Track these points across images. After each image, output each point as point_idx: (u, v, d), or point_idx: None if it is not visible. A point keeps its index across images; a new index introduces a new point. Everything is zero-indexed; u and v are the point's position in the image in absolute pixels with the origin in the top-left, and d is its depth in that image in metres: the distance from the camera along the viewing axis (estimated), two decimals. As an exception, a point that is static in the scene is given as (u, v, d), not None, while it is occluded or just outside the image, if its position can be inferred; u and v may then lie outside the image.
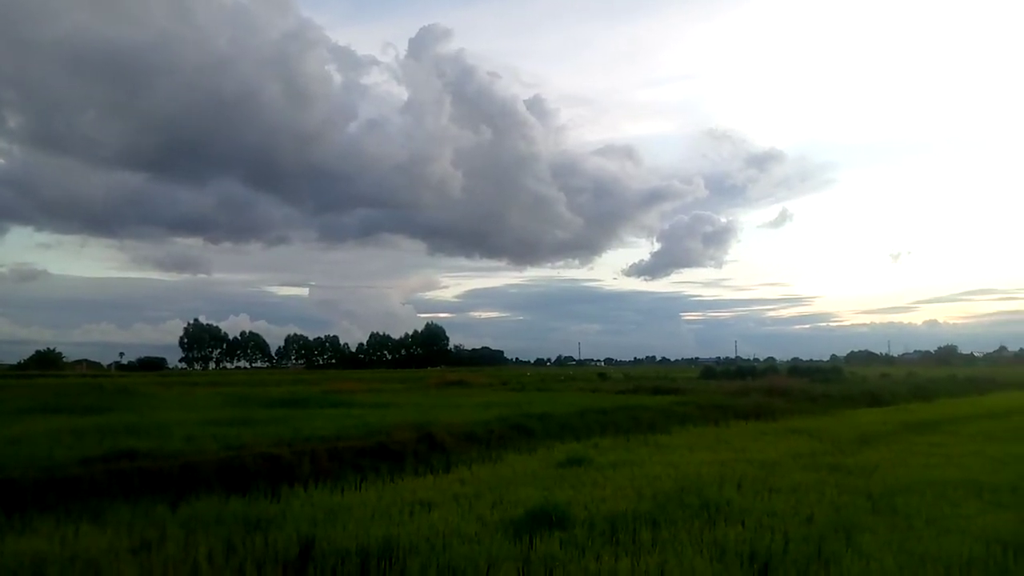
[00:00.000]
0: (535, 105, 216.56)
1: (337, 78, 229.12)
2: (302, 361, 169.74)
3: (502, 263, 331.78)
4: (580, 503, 9.25)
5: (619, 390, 38.26)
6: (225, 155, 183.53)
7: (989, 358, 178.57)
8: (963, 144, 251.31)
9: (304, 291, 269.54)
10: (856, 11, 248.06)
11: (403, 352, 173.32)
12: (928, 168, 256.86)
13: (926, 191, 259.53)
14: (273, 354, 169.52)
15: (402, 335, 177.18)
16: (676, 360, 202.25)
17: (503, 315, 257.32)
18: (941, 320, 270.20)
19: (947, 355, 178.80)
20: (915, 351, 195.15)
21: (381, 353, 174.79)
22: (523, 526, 8.03)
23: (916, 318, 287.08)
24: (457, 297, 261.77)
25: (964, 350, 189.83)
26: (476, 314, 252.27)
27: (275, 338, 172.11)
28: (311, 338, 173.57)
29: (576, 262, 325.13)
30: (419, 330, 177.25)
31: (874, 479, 11.24)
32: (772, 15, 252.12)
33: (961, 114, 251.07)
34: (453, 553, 7.00)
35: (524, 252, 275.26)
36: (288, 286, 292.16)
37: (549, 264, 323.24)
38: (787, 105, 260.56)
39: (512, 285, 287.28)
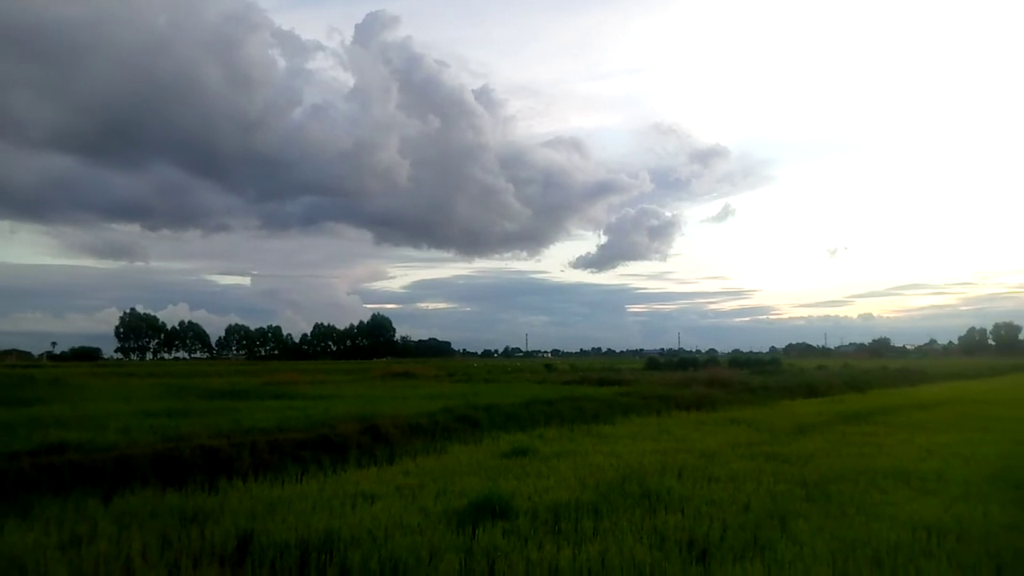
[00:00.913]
0: (483, 95, 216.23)
1: (281, 63, 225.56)
2: (243, 352, 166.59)
3: (450, 254, 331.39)
4: (524, 493, 9.28)
5: (565, 381, 38.58)
6: (163, 139, 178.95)
7: (920, 351, 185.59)
8: (897, 144, 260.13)
9: (246, 280, 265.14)
10: (798, 13, 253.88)
11: (348, 343, 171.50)
12: (864, 166, 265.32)
13: (862, 189, 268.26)
14: (213, 345, 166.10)
15: (347, 326, 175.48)
16: (621, 351, 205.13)
17: (451, 306, 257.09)
18: (875, 314, 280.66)
19: (880, 347, 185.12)
20: (850, 343, 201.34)
21: (325, 344, 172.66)
22: (466, 517, 8.03)
23: (852, 312, 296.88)
24: (404, 288, 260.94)
25: (896, 343, 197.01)
26: (423, 305, 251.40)
27: (215, 328, 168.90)
28: (253, 328, 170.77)
29: (524, 254, 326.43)
30: (365, 321, 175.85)
31: (809, 468, 11.55)
32: (717, 13, 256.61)
33: (896, 114, 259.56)
34: (395, 545, 6.95)
35: (472, 243, 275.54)
36: (229, 275, 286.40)
37: (497, 255, 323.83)
38: (731, 102, 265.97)
39: (460, 276, 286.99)
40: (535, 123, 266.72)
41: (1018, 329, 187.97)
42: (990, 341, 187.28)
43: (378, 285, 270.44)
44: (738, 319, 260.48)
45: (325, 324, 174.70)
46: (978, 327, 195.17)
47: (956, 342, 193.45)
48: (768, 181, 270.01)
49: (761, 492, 9.48)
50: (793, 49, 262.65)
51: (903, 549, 6.72)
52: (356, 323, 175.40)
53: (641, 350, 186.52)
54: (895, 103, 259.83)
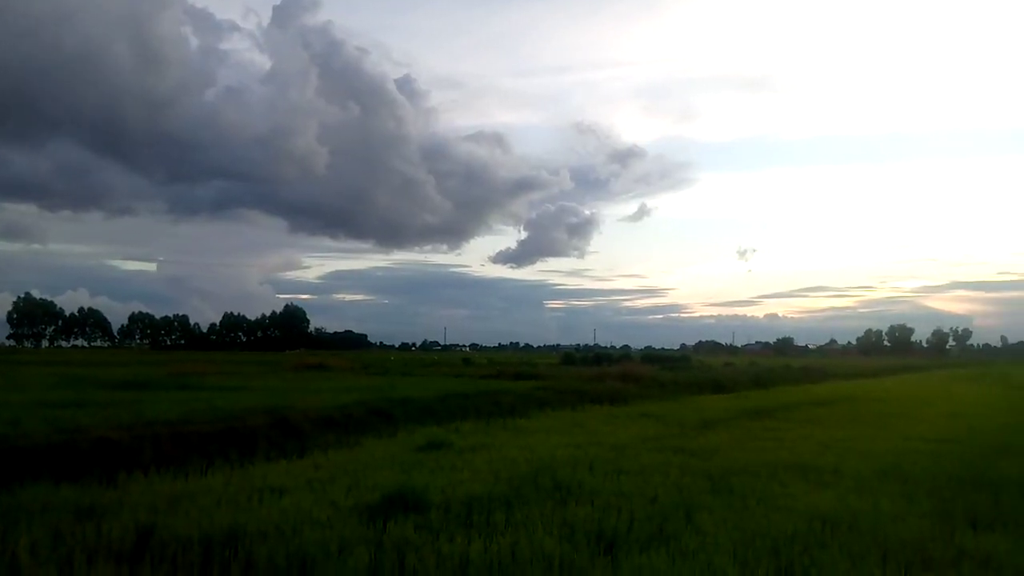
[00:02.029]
0: (405, 85, 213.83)
1: (193, 41, 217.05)
2: (147, 341, 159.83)
3: (368, 245, 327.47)
4: (437, 487, 9.25)
5: (482, 375, 38.69)
6: (65, 116, 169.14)
7: (821, 350, 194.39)
8: (806, 153, 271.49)
9: (151, 266, 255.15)
10: (718, 19, 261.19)
11: (259, 334, 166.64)
12: (775, 173, 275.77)
13: (772, 195, 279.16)
14: (115, 333, 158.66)
15: (259, 316, 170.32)
16: (539, 346, 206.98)
17: (368, 298, 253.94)
18: (780, 314, 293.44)
19: (784, 346, 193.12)
20: (756, 342, 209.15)
21: (235, 335, 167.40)
22: (378, 510, 7.95)
23: (758, 311, 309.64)
24: (319, 278, 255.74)
25: (799, 342, 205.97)
26: (339, 296, 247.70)
27: (118, 316, 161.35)
28: (158, 317, 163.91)
29: (444, 247, 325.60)
30: (277, 311, 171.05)
31: (714, 461, 11.93)
32: (641, 17, 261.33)
33: (806, 125, 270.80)
34: (303, 539, 6.82)
35: (391, 234, 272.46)
36: (133, 260, 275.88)
37: (417, 248, 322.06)
38: (649, 104, 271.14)
39: (378, 268, 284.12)
40: (458, 116, 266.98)
41: (911, 331, 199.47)
42: (885, 342, 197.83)
43: (292, 275, 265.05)
44: (651, 317, 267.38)
45: (235, 314, 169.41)
46: (875, 329, 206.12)
47: (855, 342, 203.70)
48: (683, 183, 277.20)
49: (668, 484, 9.74)
50: (710, 55, 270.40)
51: (799, 539, 7.02)
52: (268, 313, 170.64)
53: (558, 345, 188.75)
54: (806, 112, 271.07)
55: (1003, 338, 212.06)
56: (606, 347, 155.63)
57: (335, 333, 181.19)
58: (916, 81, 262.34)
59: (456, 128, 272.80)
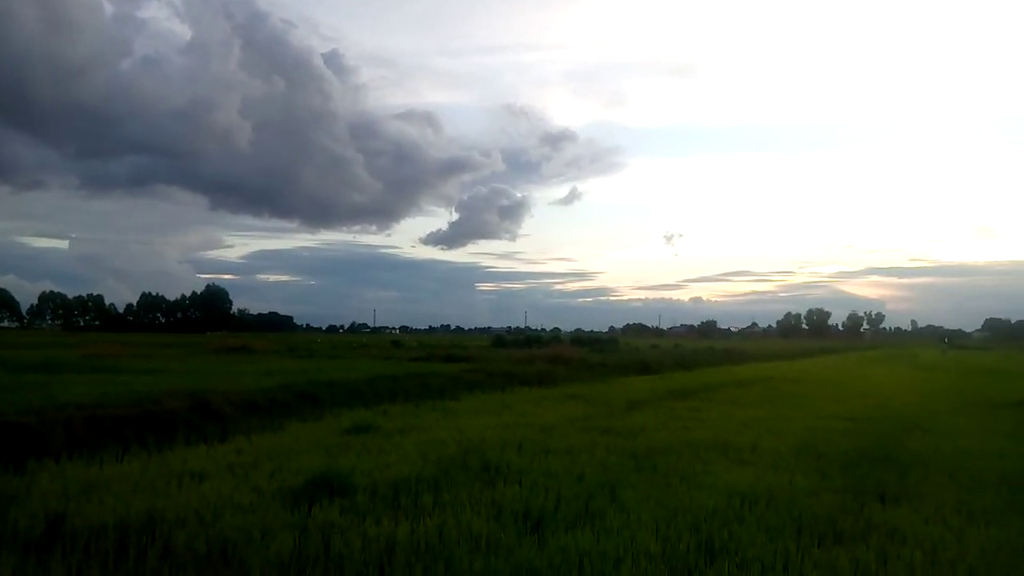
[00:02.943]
0: (333, 60, 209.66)
1: (108, 8, 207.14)
2: (59, 322, 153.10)
3: (294, 224, 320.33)
4: (364, 470, 9.17)
5: (412, 358, 38.50)
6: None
7: (743, 332, 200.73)
8: (729, 140, 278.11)
9: (63, 243, 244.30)
10: (645, 4, 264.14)
11: (179, 315, 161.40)
12: (699, 160, 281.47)
13: (697, 181, 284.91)
14: (24, 313, 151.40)
15: (178, 296, 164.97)
16: (470, 329, 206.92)
17: (293, 279, 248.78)
18: (705, 297, 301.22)
19: (708, 329, 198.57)
20: (681, 325, 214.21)
21: (153, 316, 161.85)
22: (303, 495, 7.82)
23: (684, 295, 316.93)
24: (242, 258, 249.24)
25: (723, 325, 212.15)
26: (264, 277, 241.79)
27: (27, 296, 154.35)
28: (70, 297, 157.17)
29: (374, 227, 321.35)
30: (198, 291, 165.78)
31: (639, 440, 12.17)
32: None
33: (731, 113, 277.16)
34: (224, 524, 6.66)
35: (318, 214, 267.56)
36: (43, 237, 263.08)
37: (345, 228, 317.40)
38: (580, 88, 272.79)
39: (304, 248, 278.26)
40: (388, 94, 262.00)
41: (828, 315, 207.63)
42: (804, 325, 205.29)
43: (213, 254, 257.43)
44: (581, 300, 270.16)
45: (153, 294, 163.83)
46: (794, 312, 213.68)
47: (775, 325, 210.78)
48: (613, 168, 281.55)
49: (595, 464, 9.89)
50: (639, 40, 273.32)
51: (719, 515, 7.23)
52: (188, 294, 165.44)
53: (489, 328, 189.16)
54: (730, 100, 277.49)
55: (913, 322, 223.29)
56: (537, 330, 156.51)
57: (259, 315, 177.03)
58: (835, 72, 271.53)
59: (386, 106, 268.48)
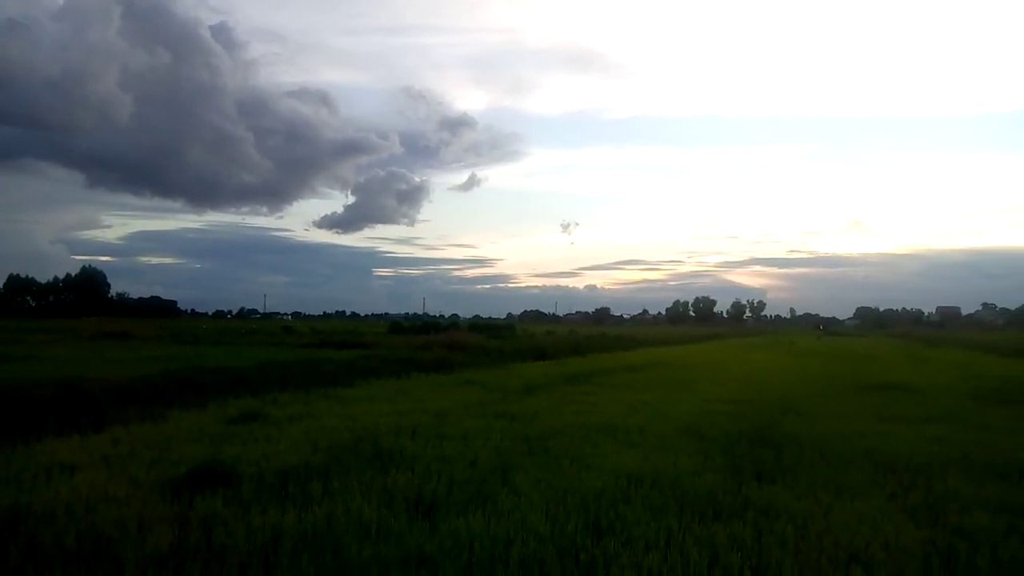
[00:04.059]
0: (221, 33, 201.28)
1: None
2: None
3: (178, 204, 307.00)
4: (250, 459, 8.89)
5: (304, 344, 37.63)
6: None
7: (634, 319, 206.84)
8: (624, 132, 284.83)
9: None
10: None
11: (51, 298, 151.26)
12: (596, 151, 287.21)
13: (594, 171, 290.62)
14: None
15: (50, 279, 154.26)
16: (367, 315, 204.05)
17: (178, 262, 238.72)
18: (599, 285, 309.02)
19: (602, 316, 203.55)
20: (577, 312, 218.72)
21: (22, 299, 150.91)
22: (184, 485, 7.50)
23: (579, 283, 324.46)
24: (121, 239, 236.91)
25: (616, 312, 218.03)
26: (145, 259, 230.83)
27: None
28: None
29: (264, 209, 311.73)
30: (72, 274, 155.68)
31: (533, 425, 12.34)
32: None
33: (625, 104, 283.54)
34: (97, 518, 6.31)
35: (204, 193, 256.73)
36: None
37: (234, 209, 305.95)
38: (480, 74, 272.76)
39: (189, 229, 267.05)
40: (280, 71, 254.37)
41: (714, 303, 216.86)
42: (691, 312, 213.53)
43: (90, 234, 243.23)
44: (480, 286, 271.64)
45: (22, 276, 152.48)
46: (682, 300, 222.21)
47: (664, 313, 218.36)
48: (513, 155, 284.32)
49: (488, 448, 9.95)
50: (540, 29, 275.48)
51: (607, 495, 7.43)
52: (61, 276, 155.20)
53: (387, 314, 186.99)
54: (627, 93, 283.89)
55: (792, 310, 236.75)
56: (435, 316, 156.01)
57: (140, 299, 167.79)
58: (726, 69, 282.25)
59: (278, 83, 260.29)
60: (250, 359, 22.27)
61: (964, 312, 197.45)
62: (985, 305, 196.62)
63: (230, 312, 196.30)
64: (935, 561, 5.77)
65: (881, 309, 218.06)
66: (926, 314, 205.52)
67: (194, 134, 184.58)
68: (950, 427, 13.11)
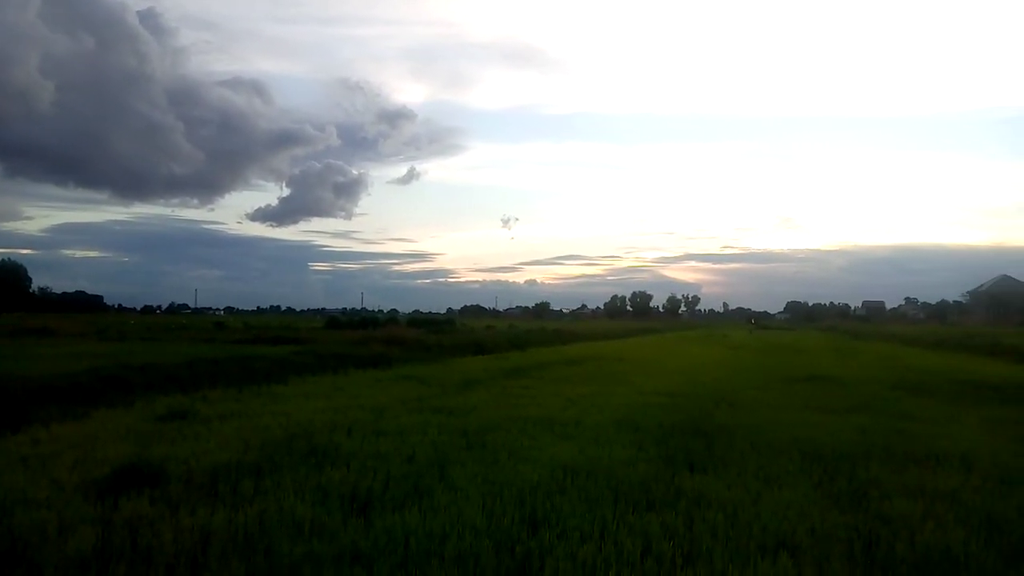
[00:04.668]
0: (149, 19, 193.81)
1: None
2: None
3: (104, 196, 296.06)
4: (179, 458, 8.65)
5: (237, 340, 36.77)
6: None
7: (573, 314, 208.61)
8: (564, 128, 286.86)
9: None
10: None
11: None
12: (536, 146, 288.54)
13: (533, 166, 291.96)
14: None
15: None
16: (303, 310, 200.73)
17: (104, 255, 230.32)
18: (539, 280, 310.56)
19: (541, 310, 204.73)
20: (517, 306, 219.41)
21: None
22: (109, 486, 7.25)
23: (519, 277, 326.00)
24: (44, 231, 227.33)
25: (555, 306, 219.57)
26: (69, 252, 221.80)
27: None
28: None
29: (195, 201, 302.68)
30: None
31: (471, 419, 12.33)
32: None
33: (564, 100, 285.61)
34: (14, 521, 6.05)
35: (132, 185, 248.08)
36: None
37: (163, 201, 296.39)
38: (419, 67, 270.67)
39: (116, 222, 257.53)
40: (212, 60, 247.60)
41: (650, 297, 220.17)
42: (628, 307, 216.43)
43: (9, 226, 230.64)
44: (420, 281, 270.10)
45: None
46: (620, 295, 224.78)
47: (602, 307, 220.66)
48: (453, 149, 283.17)
49: (426, 443, 9.90)
50: (480, 23, 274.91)
51: (543, 487, 7.48)
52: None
53: (323, 309, 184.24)
54: (566, 88, 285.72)
55: (725, 304, 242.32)
56: (374, 311, 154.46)
57: (64, 294, 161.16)
58: (664, 67, 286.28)
59: (210, 72, 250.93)
60: (180, 355, 21.65)
61: (888, 306, 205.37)
62: (908, 300, 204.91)
63: (159, 307, 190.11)
64: (857, 546, 5.98)
65: (810, 303, 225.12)
66: (852, 308, 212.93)
67: (121, 123, 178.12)
68: (873, 417, 13.61)
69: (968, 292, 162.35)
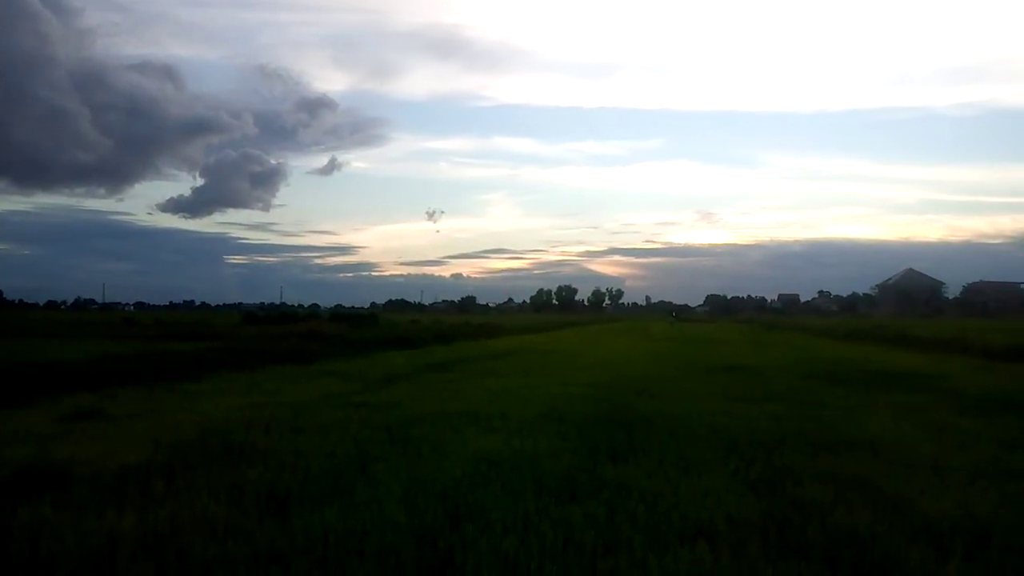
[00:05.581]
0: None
1: None
2: None
3: (2, 184, 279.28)
4: (85, 459, 8.24)
5: (148, 336, 35.45)
6: None
7: (499, 308, 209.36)
8: (490, 120, 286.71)
9: None
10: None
11: None
12: (461, 139, 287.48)
13: (458, 158, 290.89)
14: None
15: None
16: (218, 305, 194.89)
17: (2, 248, 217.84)
18: (465, 274, 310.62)
19: (467, 304, 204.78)
20: (442, 300, 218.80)
21: None
22: (7, 490, 6.84)
23: (445, 271, 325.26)
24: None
25: (481, 300, 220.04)
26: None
27: None
28: None
29: (102, 191, 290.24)
30: None
31: (394, 414, 12.17)
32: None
33: (490, 92, 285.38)
34: None
35: (33, 174, 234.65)
36: None
37: (67, 191, 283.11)
38: (340, 55, 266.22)
39: (15, 212, 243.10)
40: (120, 42, 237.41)
41: (575, 291, 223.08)
42: (554, 300, 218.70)
43: None
44: (342, 274, 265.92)
45: None
46: (545, 288, 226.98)
47: (528, 301, 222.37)
48: (376, 140, 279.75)
49: (347, 440, 9.71)
50: (403, 11, 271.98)
51: (466, 481, 7.42)
52: None
53: (240, 304, 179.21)
54: (492, 80, 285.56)
55: (647, 297, 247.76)
56: (293, 306, 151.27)
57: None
58: (587, 62, 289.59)
59: (118, 56, 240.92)
60: (86, 353, 20.69)
61: (802, 299, 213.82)
62: (821, 293, 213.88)
63: (64, 303, 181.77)
64: (772, 530, 6.14)
65: (728, 296, 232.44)
66: (769, 301, 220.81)
67: (20, 108, 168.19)
68: (788, 405, 14.07)
69: (877, 285, 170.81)
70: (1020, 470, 8.50)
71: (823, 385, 18.35)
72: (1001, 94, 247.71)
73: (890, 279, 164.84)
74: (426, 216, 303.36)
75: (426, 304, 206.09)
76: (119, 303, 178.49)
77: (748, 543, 5.82)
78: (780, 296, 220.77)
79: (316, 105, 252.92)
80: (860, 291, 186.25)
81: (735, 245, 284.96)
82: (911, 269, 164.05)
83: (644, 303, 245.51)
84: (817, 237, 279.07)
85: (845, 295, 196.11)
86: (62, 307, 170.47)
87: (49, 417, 11.48)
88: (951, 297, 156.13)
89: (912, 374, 21.42)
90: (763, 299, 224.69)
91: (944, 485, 7.75)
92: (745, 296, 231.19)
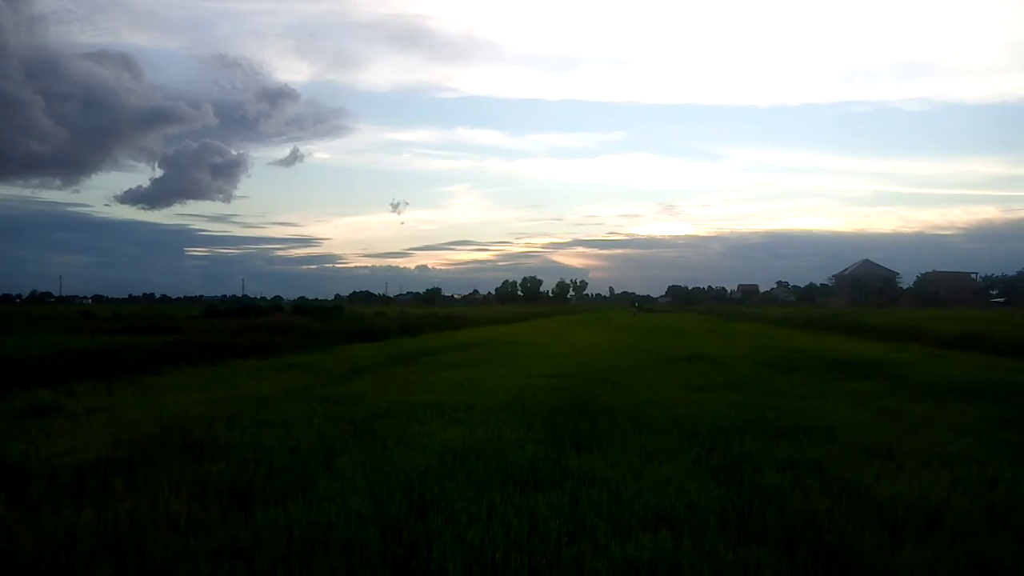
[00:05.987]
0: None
1: None
2: None
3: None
4: (42, 456, 8.07)
5: (106, 330, 34.72)
6: None
7: (465, 299, 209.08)
8: (454, 112, 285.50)
9: None
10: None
11: None
12: (425, 131, 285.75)
13: (423, 150, 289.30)
14: None
15: None
16: (178, 298, 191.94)
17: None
18: (430, 266, 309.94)
19: (433, 296, 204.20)
20: (408, 292, 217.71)
21: None
22: (-39, 489, 6.69)
23: (410, 263, 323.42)
24: None
25: (446, 292, 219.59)
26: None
27: None
28: None
29: (58, 182, 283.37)
30: None
31: (359, 407, 12.12)
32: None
33: (455, 84, 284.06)
34: None
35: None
36: None
37: (21, 182, 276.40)
38: (302, 45, 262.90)
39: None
40: (75, 30, 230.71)
41: (540, 283, 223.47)
42: (519, 292, 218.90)
43: None
44: (305, 267, 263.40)
45: None
46: (511, 280, 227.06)
47: (494, 292, 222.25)
48: (339, 131, 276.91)
49: (311, 433, 9.65)
50: (366, 1, 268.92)
51: (432, 472, 7.44)
52: None
53: (201, 296, 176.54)
54: (457, 72, 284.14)
55: (611, 288, 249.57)
56: (256, 298, 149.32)
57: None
58: (551, 54, 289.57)
59: (73, 44, 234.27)
60: (43, 347, 20.24)
61: (761, 289, 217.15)
62: (779, 283, 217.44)
63: (19, 296, 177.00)
64: (732, 516, 6.28)
65: (689, 287, 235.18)
66: (729, 291, 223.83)
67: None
68: (747, 394, 14.32)
69: (833, 276, 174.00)
70: (970, 455, 8.78)
71: (781, 374, 18.69)
72: (953, 89, 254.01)
73: (846, 270, 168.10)
74: (390, 208, 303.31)
75: (391, 296, 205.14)
76: (77, 296, 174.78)
77: (708, 529, 5.94)
78: (740, 287, 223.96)
79: (278, 95, 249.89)
80: (817, 281, 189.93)
81: (696, 237, 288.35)
82: (867, 260, 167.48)
83: (608, 294, 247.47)
84: (776, 229, 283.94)
85: (803, 285, 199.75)
86: (17, 301, 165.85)
87: (3, 413, 11.22)
88: (905, 287, 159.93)
89: (867, 362, 21.93)
90: (723, 290, 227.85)
91: (898, 470, 7.98)
92: (706, 287, 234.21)
